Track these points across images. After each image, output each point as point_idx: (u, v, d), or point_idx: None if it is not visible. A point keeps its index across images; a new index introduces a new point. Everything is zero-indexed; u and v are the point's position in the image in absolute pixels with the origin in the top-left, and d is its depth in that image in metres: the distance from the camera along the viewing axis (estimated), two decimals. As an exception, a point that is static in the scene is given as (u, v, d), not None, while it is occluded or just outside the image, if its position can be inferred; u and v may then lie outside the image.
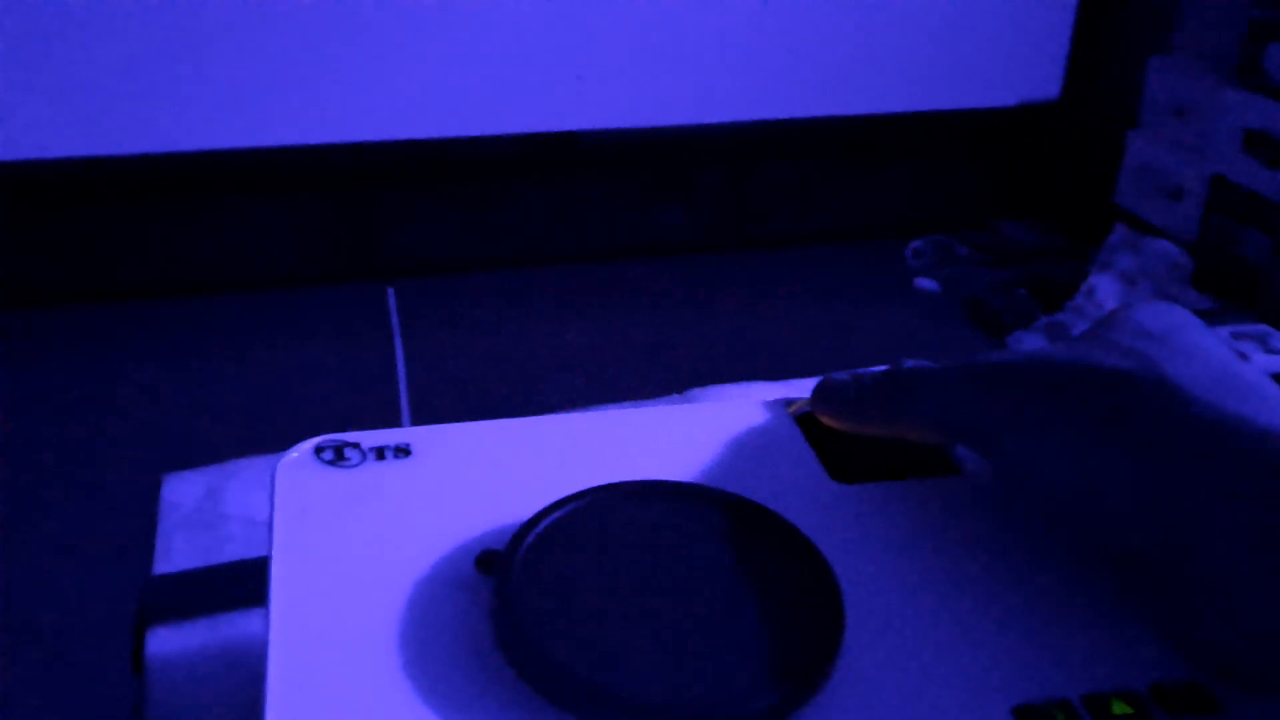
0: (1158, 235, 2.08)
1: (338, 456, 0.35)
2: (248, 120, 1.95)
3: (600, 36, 2.03)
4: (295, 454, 0.35)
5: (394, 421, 1.75)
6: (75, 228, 2.07)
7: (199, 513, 0.45)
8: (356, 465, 0.35)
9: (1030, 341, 2.00)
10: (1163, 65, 2.13)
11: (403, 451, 0.36)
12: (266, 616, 0.29)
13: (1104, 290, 2.02)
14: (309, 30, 1.91)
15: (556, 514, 0.31)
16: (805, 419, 0.39)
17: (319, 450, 0.35)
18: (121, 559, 1.38)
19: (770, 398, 0.41)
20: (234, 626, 0.40)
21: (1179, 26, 2.12)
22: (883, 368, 0.36)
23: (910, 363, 0.35)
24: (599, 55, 2.05)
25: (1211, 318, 1.85)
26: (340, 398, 1.80)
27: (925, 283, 2.26)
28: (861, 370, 0.37)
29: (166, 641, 0.39)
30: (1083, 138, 2.39)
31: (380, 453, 0.35)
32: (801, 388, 0.51)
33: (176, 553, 0.43)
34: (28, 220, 2.04)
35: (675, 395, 0.57)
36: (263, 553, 0.42)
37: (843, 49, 2.16)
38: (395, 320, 2.02)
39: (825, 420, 0.37)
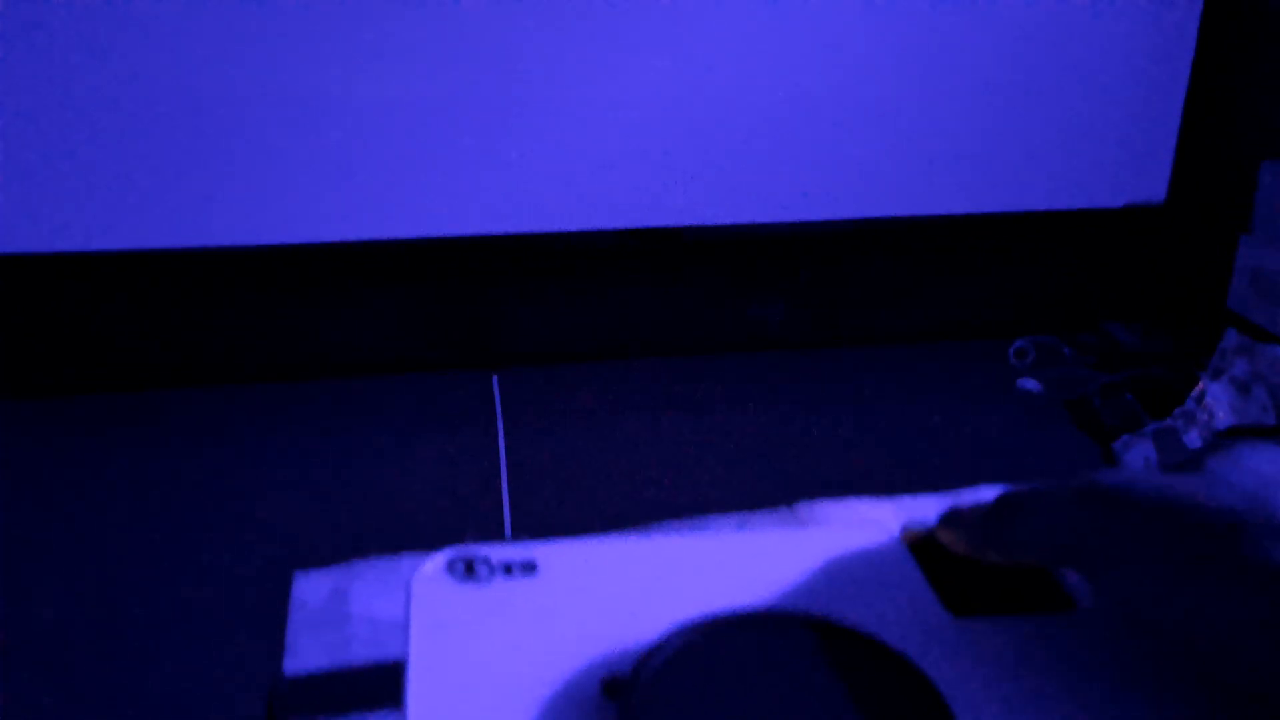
0: (1272, 341, 2.03)
1: (468, 571, 0.37)
2: (366, 214, 2.02)
3: (704, 137, 2.07)
4: (429, 567, 0.37)
5: (498, 507, 1.78)
6: (196, 315, 2.15)
7: (324, 612, 0.47)
8: (486, 581, 0.36)
9: (1137, 447, 1.96)
10: (1275, 170, 2.10)
11: (529, 568, 0.37)
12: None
13: (1215, 396, 1.98)
14: (424, 128, 1.98)
15: (679, 641, 0.32)
16: (920, 547, 0.39)
17: (451, 565, 0.37)
18: (241, 648, 1.41)
19: (878, 514, 0.41)
20: (360, 729, 0.41)
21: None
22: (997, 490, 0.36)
23: (1021, 486, 0.36)
24: (702, 155, 2.09)
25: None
26: (447, 481, 1.83)
27: (1028, 383, 2.23)
28: (983, 499, 0.37)
29: (295, 741, 0.41)
30: (1191, 241, 2.35)
31: (508, 568, 0.37)
32: (905, 506, 0.52)
33: (304, 651, 0.45)
34: (152, 307, 2.13)
35: (783, 508, 0.57)
36: (385, 654, 0.44)
37: (947, 149, 2.17)
38: (499, 408, 2.06)
39: (950, 547, 0.38)
